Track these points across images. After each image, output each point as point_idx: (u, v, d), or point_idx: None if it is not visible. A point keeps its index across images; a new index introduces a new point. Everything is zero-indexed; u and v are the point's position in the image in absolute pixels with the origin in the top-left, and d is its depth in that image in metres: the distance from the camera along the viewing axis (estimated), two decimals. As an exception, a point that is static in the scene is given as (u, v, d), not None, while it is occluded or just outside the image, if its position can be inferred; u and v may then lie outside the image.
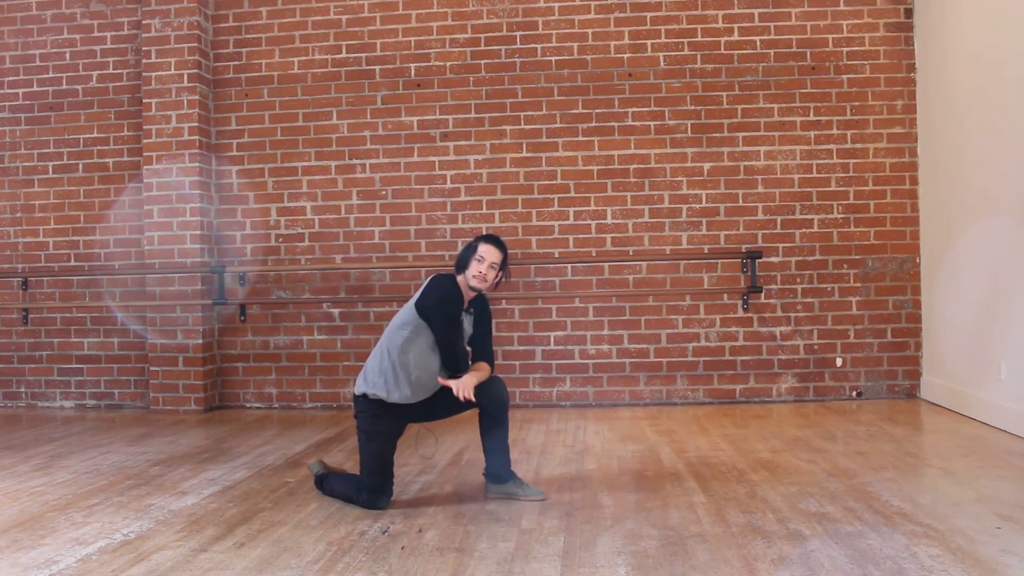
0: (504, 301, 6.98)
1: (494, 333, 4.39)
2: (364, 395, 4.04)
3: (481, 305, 4.24)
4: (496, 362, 6.83)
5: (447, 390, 4.00)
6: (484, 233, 4.29)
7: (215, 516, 3.90)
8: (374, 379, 4.01)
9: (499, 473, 4.11)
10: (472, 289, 4.08)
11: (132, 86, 7.35)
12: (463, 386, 3.89)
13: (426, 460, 4.86)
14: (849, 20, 6.86)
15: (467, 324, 4.15)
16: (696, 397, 6.90)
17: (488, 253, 4.02)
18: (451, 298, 3.99)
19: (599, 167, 6.97)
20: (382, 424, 4.02)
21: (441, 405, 4.13)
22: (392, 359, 3.98)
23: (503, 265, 4.08)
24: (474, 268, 4.01)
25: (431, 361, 4.02)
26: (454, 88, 7.10)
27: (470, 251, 4.06)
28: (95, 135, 7.41)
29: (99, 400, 7.43)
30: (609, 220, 6.95)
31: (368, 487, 3.98)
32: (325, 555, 3.32)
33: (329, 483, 4.20)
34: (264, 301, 7.23)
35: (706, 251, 6.89)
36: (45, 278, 7.44)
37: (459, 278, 4.07)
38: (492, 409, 4.05)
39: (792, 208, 6.87)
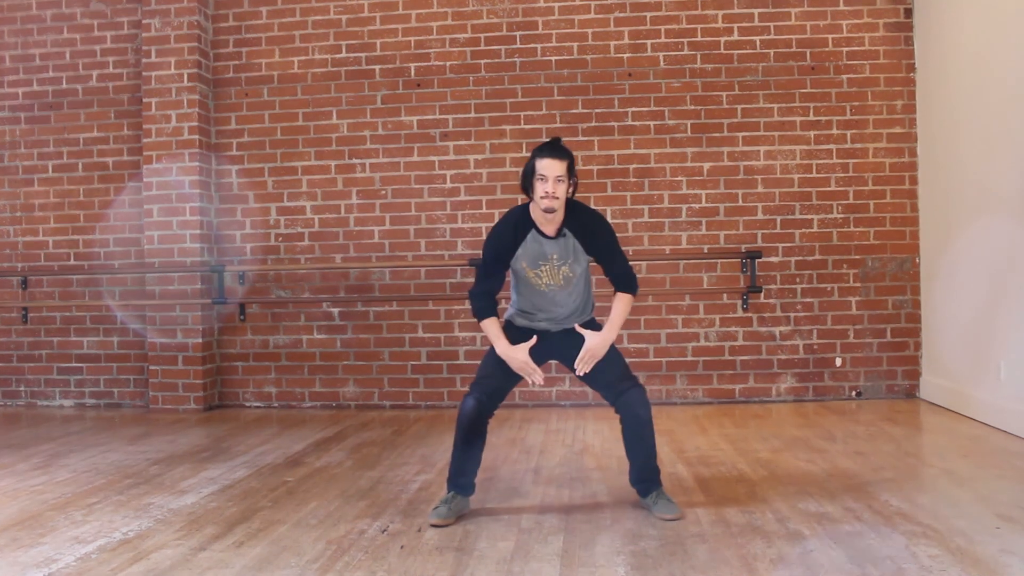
0: (504, 300, 6.96)
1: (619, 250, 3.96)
2: (510, 321, 4.00)
3: (582, 224, 3.79)
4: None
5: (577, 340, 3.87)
6: (540, 145, 3.76)
7: (214, 515, 3.90)
8: (512, 310, 4.00)
9: (638, 487, 3.88)
10: (547, 212, 3.67)
11: (132, 85, 7.35)
12: (586, 358, 3.79)
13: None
14: (849, 20, 6.86)
15: (557, 251, 3.78)
16: (695, 397, 6.90)
17: (548, 168, 3.61)
18: (492, 235, 3.84)
19: (599, 167, 6.97)
20: (510, 338, 3.88)
21: (568, 354, 3.92)
22: (513, 295, 3.99)
23: (571, 172, 3.67)
24: (539, 190, 3.63)
25: (535, 292, 3.87)
26: (454, 88, 7.10)
27: (530, 172, 3.67)
28: (95, 134, 7.41)
29: (98, 399, 7.43)
30: (609, 220, 6.92)
31: (469, 390, 3.83)
32: (324, 554, 3.32)
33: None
34: (264, 300, 7.23)
35: (706, 251, 6.90)
36: (45, 277, 7.44)
37: (532, 205, 3.76)
38: (628, 424, 3.82)
39: (792, 208, 6.87)
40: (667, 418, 6.27)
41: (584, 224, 3.79)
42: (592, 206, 6.82)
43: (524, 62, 7.05)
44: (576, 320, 3.94)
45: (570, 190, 3.73)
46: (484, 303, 3.90)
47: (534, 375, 3.82)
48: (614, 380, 3.86)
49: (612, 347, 3.90)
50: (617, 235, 3.95)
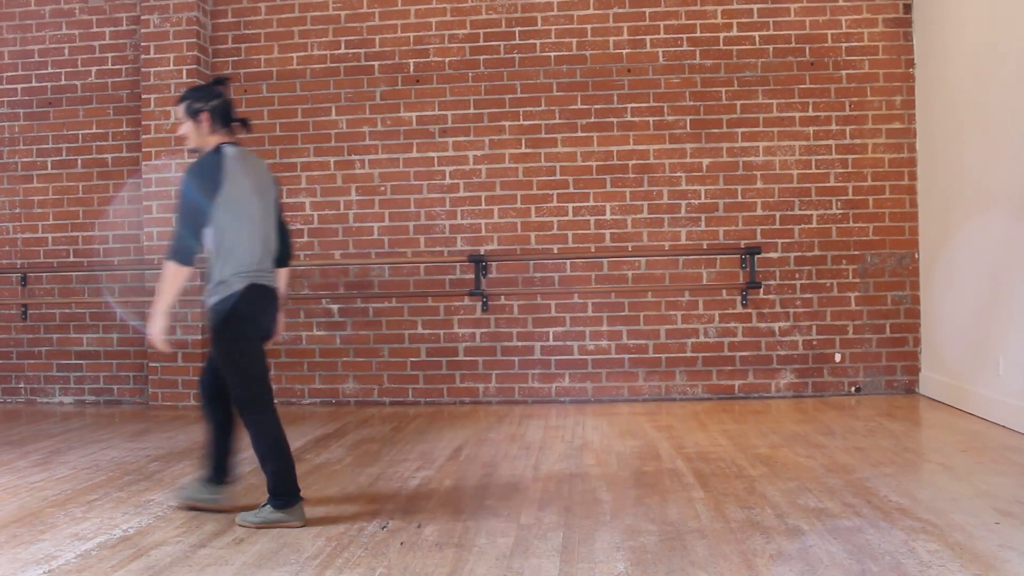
0: (503, 297, 6.98)
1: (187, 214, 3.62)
2: None
3: None
4: (496, 358, 6.95)
5: None
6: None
7: (214, 511, 3.90)
8: None
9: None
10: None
11: (131, 82, 7.35)
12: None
13: None
14: (848, 15, 6.85)
15: None
16: (695, 393, 6.90)
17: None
18: None
19: (598, 163, 6.97)
20: None
21: None
22: None
23: (189, 112, 3.72)
24: None
25: None
26: (453, 84, 7.09)
27: None
28: (94, 131, 7.40)
29: (98, 396, 7.43)
30: (608, 216, 6.95)
31: None
32: (324, 551, 3.33)
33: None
34: (263, 297, 7.22)
35: (705, 247, 6.89)
36: (44, 274, 7.44)
37: None
38: None
39: (791, 204, 6.87)
40: (666, 414, 6.27)
41: None
42: (591, 202, 6.93)
43: (523, 58, 7.04)
44: (208, 289, 3.72)
45: (204, 126, 3.71)
46: None
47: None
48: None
49: (220, 345, 3.68)
50: (195, 190, 3.58)
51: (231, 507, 3.86)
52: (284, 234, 3.97)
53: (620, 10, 6.97)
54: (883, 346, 6.83)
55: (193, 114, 3.71)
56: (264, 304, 3.74)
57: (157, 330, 3.60)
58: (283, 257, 3.96)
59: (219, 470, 3.90)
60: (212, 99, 3.72)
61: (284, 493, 3.63)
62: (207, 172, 3.61)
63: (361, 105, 7.17)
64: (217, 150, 3.68)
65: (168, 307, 3.59)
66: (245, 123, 3.85)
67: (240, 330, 3.66)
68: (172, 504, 3.97)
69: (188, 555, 3.30)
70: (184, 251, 3.56)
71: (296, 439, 5.62)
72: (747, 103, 6.89)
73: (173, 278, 3.55)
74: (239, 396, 3.68)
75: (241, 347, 3.67)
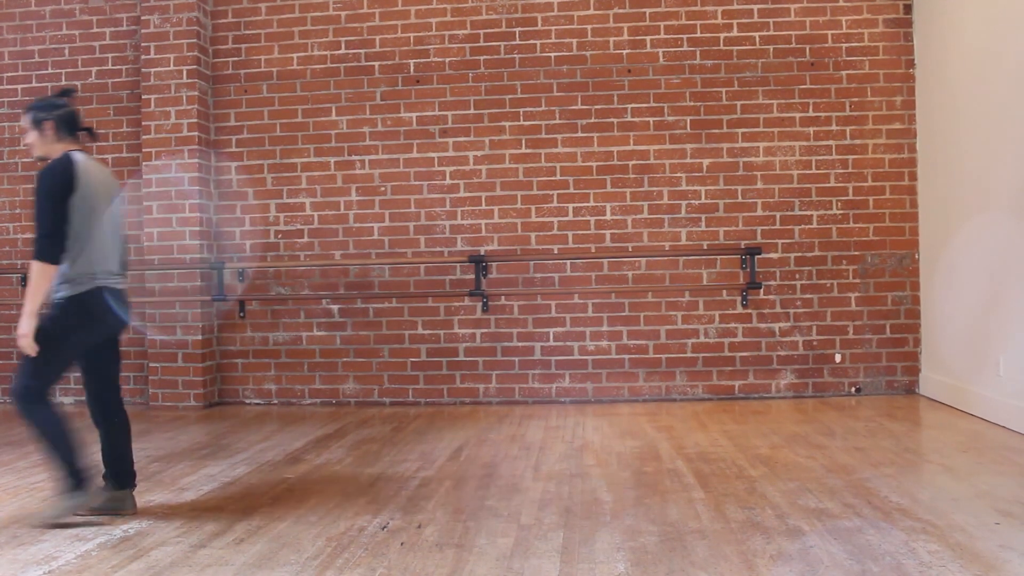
0: (504, 298, 6.98)
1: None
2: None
3: None
4: (496, 358, 6.96)
5: None
6: None
7: (214, 512, 3.90)
8: None
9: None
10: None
11: (131, 82, 7.35)
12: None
13: None
14: (848, 16, 6.85)
15: None
16: (695, 393, 6.90)
17: None
18: None
19: (598, 163, 6.97)
20: None
21: None
22: None
23: (33, 122, 3.86)
24: None
25: None
26: (453, 84, 7.09)
27: None
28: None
29: (98, 396, 7.41)
30: (608, 216, 6.95)
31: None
32: (324, 551, 3.32)
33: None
34: (263, 297, 7.23)
35: (705, 247, 6.89)
36: (44, 274, 7.42)
37: None
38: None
39: (791, 204, 6.87)
40: (666, 414, 6.27)
41: None
42: (591, 203, 6.94)
43: (523, 58, 7.04)
44: (54, 285, 3.76)
45: (48, 135, 3.85)
46: None
47: None
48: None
49: (40, 333, 3.65)
50: (51, 191, 3.66)
51: (134, 511, 3.89)
52: (122, 245, 4.10)
53: (620, 10, 6.98)
54: (883, 346, 6.83)
55: (37, 123, 3.85)
56: (109, 306, 3.87)
57: (25, 331, 3.61)
58: (121, 266, 4.06)
59: (121, 474, 3.89)
60: (55, 109, 3.86)
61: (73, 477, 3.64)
62: (60, 175, 3.70)
63: (361, 105, 7.17)
64: (67, 156, 3.77)
65: (37, 308, 3.62)
66: (91, 132, 4.03)
67: (68, 332, 3.73)
68: (84, 514, 3.79)
69: (188, 555, 3.30)
70: (50, 250, 3.64)
71: (296, 439, 5.62)
72: (747, 103, 6.89)
73: (41, 278, 3.63)
74: (27, 383, 3.64)
75: (60, 344, 3.71)
